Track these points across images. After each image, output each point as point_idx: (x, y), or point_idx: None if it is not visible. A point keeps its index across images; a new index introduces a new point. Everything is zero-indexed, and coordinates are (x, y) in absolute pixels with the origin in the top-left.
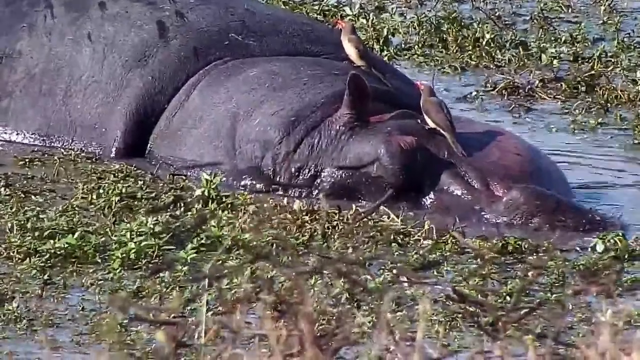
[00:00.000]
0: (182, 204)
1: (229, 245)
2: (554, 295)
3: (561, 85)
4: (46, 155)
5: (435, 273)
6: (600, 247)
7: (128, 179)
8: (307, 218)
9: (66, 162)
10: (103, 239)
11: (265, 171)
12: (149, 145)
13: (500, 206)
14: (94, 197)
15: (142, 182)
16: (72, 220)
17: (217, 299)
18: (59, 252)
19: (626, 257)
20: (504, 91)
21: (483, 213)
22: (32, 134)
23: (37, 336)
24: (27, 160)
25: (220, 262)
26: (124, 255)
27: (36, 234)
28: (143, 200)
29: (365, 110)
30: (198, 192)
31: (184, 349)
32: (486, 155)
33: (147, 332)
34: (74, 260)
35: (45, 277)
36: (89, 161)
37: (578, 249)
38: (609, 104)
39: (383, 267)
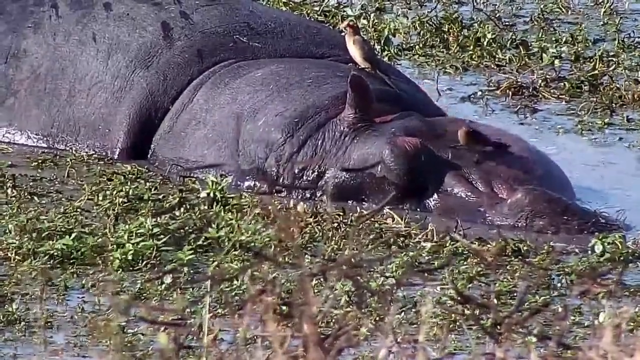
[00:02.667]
0: (188, 206)
1: (229, 246)
2: (542, 298)
3: (564, 85)
4: (58, 157)
5: (435, 275)
6: (598, 248)
7: (138, 181)
8: (310, 220)
9: (78, 163)
10: (101, 240)
11: (268, 172)
12: (152, 145)
13: (505, 208)
14: (100, 198)
15: (151, 184)
16: (71, 221)
17: (218, 300)
18: (56, 254)
19: (622, 259)
20: (507, 91)
21: (487, 215)
22: (36, 133)
23: (36, 338)
24: (39, 161)
25: (220, 263)
26: (123, 256)
27: (34, 235)
28: (149, 202)
29: (370, 111)
30: (203, 193)
31: (186, 351)
32: (490, 157)
33: (147, 333)
34: (73, 261)
35: (45, 278)
36: (101, 162)
37: (577, 250)
38: (613, 104)
39: (386, 269)
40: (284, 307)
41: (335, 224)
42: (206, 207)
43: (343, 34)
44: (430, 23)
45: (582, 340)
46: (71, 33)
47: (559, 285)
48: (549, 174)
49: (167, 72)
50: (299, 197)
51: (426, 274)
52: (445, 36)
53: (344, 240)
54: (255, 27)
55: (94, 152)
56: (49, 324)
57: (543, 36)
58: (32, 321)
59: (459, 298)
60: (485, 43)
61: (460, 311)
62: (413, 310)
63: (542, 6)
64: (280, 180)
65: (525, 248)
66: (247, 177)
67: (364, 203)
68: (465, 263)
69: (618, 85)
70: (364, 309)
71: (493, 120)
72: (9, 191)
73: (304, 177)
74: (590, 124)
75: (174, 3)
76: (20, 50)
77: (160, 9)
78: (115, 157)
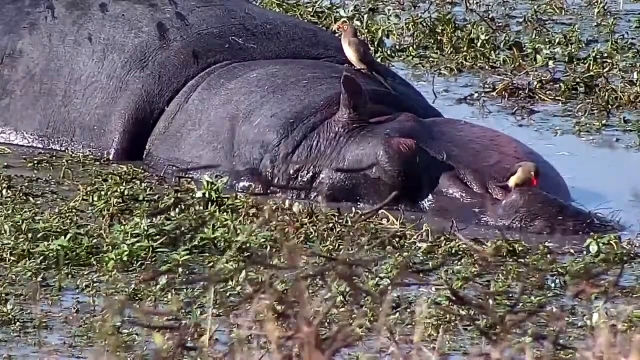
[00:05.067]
0: (183, 206)
1: (224, 247)
2: (537, 298)
3: (560, 86)
4: (54, 158)
5: (430, 275)
6: (593, 249)
7: (133, 181)
8: (306, 220)
9: (74, 164)
10: (96, 240)
11: (263, 173)
12: (147, 146)
13: (500, 209)
14: (95, 198)
15: (146, 184)
16: (66, 222)
17: (214, 301)
18: (51, 254)
19: (616, 259)
20: (503, 92)
21: (482, 216)
22: (31, 134)
23: (31, 338)
24: (34, 162)
25: (215, 264)
26: (118, 257)
27: (29, 235)
28: (145, 203)
29: (365, 110)
30: (199, 194)
31: (182, 352)
32: (485, 158)
33: (142, 333)
34: (68, 262)
35: (40, 279)
36: (97, 163)
37: (572, 251)
38: (609, 106)
39: (381, 270)
40: (279, 307)
41: (331, 225)
42: (201, 208)
43: (338, 34)
44: (424, 24)
45: (577, 341)
46: (67, 34)
47: (553, 285)
48: (544, 174)
49: (163, 73)
50: (294, 197)
51: (421, 275)
52: (438, 37)
53: (339, 241)
54: (251, 29)
55: (89, 153)
56: (43, 324)
57: (536, 37)
58: (26, 322)
59: (454, 298)
60: (478, 44)
61: (455, 311)
62: (408, 310)
63: (535, 7)
64: (275, 181)
65: (520, 249)
66: (242, 178)
67: (358, 203)
68: (460, 263)
69: (613, 87)
70: (359, 309)
71: (490, 122)
72: (4, 192)
73: (299, 178)
74: (587, 125)
75: (170, 4)
76: (16, 51)
77: (156, 9)
78: (111, 157)
